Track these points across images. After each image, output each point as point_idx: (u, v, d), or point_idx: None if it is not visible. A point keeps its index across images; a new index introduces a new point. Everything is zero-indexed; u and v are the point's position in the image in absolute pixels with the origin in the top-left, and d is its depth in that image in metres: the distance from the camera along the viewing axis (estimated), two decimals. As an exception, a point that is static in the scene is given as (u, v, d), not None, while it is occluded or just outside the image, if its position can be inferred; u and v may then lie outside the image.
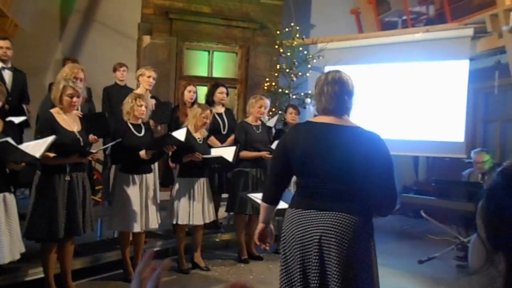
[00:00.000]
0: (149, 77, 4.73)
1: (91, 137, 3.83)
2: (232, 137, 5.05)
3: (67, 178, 3.42)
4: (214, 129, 4.94)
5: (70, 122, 3.51)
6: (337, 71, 2.26)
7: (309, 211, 2.14)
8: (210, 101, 5.14)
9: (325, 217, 2.10)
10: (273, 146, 4.67)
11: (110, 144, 3.81)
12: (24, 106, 4.60)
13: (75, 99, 3.48)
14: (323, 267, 2.07)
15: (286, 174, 2.28)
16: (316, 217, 2.11)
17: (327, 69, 7.87)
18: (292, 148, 2.20)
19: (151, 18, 7.07)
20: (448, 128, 6.80)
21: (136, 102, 4.01)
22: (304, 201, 2.17)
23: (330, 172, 2.11)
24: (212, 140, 4.88)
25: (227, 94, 5.25)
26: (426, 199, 5.44)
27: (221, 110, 5.20)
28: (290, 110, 5.33)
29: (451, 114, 6.79)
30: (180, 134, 4.06)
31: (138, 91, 4.69)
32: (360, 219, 2.09)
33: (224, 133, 5.09)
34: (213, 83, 5.42)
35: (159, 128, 4.89)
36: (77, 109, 3.76)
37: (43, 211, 3.35)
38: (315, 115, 2.37)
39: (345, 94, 2.21)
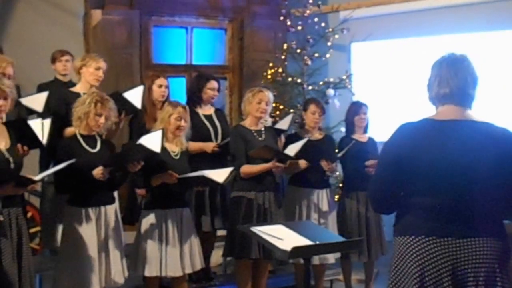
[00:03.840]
0: (97, 69, 4.70)
1: (19, 148, 3.75)
2: None
3: (1, 218, 3.38)
4: (201, 138, 4.95)
5: None
6: (461, 54, 2.48)
7: (439, 239, 2.30)
8: (196, 99, 5.19)
9: (462, 246, 2.30)
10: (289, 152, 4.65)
11: (58, 167, 3.73)
12: None
13: (1, 101, 3.48)
14: None
15: (398, 190, 2.45)
16: (450, 247, 2.30)
17: (355, 46, 8.00)
18: (409, 156, 2.36)
19: (102, -15, 7.04)
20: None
21: (96, 109, 4.00)
22: (428, 226, 2.34)
23: (463, 186, 2.31)
24: (195, 145, 4.84)
25: (219, 90, 5.33)
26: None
27: (210, 111, 5.26)
28: (313, 108, 5.16)
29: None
30: (153, 142, 4.00)
31: (79, 88, 4.66)
32: (502, 243, 2.34)
33: (216, 142, 5.10)
34: (198, 75, 5.49)
35: (121, 125, 4.80)
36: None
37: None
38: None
39: (469, 77, 2.42)
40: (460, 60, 2.44)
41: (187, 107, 4.53)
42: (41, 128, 3.92)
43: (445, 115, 2.40)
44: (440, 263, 2.29)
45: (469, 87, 2.42)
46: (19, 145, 3.76)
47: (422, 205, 2.36)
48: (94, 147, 4.08)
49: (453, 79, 2.40)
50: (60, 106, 4.55)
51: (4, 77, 3.84)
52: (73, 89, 4.74)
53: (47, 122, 4.01)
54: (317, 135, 5.19)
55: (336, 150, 5.21)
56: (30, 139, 3.86)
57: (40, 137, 3.87)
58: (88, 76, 4.68)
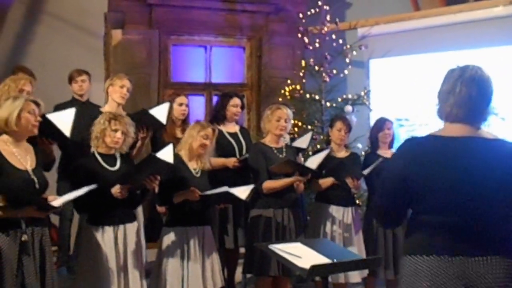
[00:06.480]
0: (122, 87, 4.79)
1: (43, 141, 3.88)
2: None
3: (24, 237, 3.38)
4: (226, 155, 5.00)
5: (22, 156, 3.51)
6: (478, 68, 2.40)
7: (450, 257, 2.26)
8: (220, 117, 5.22)
9: (475, 264, 2.25)
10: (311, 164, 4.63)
11: (78, 193, 3.70)
12: None
13: (38, 117, 3.51)
14: None
15: (401, 206, 2.44)
16: (462, 265, 2.25)
17: (373, 63, 7.97)
18: (414, 173, 2.32)
19: (122, 5, 7.11)
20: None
21: (111, 125, 4.00)
22: (439, 244, 2.29)
23: (475, 203, 2.26)
24: (218, 161, 4.87)
25: (242, 107, 5.37)
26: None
27: (235, 128, 5.31)
28: (339, 125, 5.13)
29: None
30: (166, 155, 3.99)
31: (107, 107, 4.71)
32: None
33: (241, 159, 5.11)
34: (222, 94, 5.54)
35: (146, 141, 4.85)
36: None
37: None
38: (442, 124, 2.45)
39: (484, 100, 2.37)
40: (477, 79, 2.36)
41: (216, 131, 4.54)
42: (63, 120, 3.96)
43: (454, 132, 2.36)
44: (452, 283, 2.24)
45: (484, 110, 2.37)
46: (43, 139, 3.86)
47: (432, 223, 2.31)
48: (113, 165, 4.07)
49: (468, 102, 2.34)
50: (89, 125, 4.61)
51: (23, 93, 3.93)
52: (102, 109, 4.80)
53: (70, 112, 4.05)
54: (343, 153, 5.16)
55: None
56: (53, 133, 3.92)
57: (63, 130, 3.92)
58: (113, 94, 4.78)
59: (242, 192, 4.30)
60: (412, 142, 2.44)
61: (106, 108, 4.76)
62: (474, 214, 2.26)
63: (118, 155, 4.13)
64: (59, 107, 5.36)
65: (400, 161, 2.40)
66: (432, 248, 2.29)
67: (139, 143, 4.62)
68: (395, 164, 2.44)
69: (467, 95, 2.33)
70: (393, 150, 5.32)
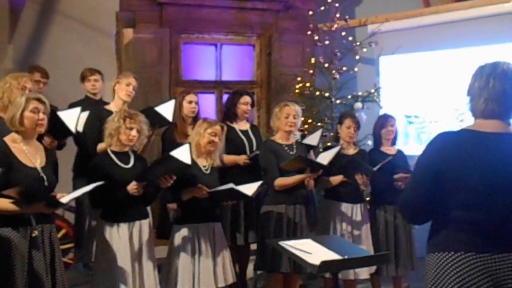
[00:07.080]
0: (128, 85, 4.86)
1: (46, 139, 3.91)
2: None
3: (35, 233, 3.41)
4: (236, 152, 5.03)
5: (31, 154, 3.53)
6: (509, 63, 2.42)
7: (478, 254, 2.25)
8: (231, 114, 5.26)
9: (502, 261, 2.25)
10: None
11: (86, 189, 3.74)
12: None
13: (41, 115, 3.50)
14: None
15: (432, 201, 2.39)
16: (489, 262, 2.25)
17: (383, 59, 7.95)
18: (446, 167, 2.31)
19: (133, 5, 7.14)
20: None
21: (126, 123, 4.03)
22: (467, 241, 2.28)
23: (501, 199, 2.26)
24: (229, 158, 4.91)
25: (253, 104, 5.43)
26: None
27: (246, 126, 5.35)
28: (348, 122, 5.13)
29: None
30: (183, 155, 4.02)
31: (113, 105, 4.76)
32: None
33: (252, 156, 5.16)
34: (233, 91, 5.59)
35: (152, 138, 4.90)
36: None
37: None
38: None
39: None
40: (510, 74, 2.37)
41: (224, 127, 4.55)
42: (69, 117, 4.05)
43: (488, 127, 2.35)
44: (480, 279, 2.24)
45: None
46: (47, 138, 3.91)
47: (461, 219, 2.30)
48: (127, 163, 4.10)
49: (503, 96, 2.34)
50: (95, 123, 4.65)
51: (25, 90, 3.99)
52: (107, 107, 4.86)
53: (76, 110, 4.16)
54: (352, 150, 5.16)
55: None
56: (60, 129, 3.95)
57: (69, 126, 3.98)
58: (120, 92, 4.85)
59: (248, 188, 4.31)
60: (446, 136, 2.41)
61: (111, 106, 4.83)
62: (503, 211, 2.26)
63: (132, 153, 4.17)
64: (72, 106, 5.41)
65: (432, 155, 2.39)
66: (459, 245, 2.29)
67: (144, 140, 4.65)
68: (427, 158, 2.41)
69: (501, 89, 2.34)
70: (396, 147, 5.36)
